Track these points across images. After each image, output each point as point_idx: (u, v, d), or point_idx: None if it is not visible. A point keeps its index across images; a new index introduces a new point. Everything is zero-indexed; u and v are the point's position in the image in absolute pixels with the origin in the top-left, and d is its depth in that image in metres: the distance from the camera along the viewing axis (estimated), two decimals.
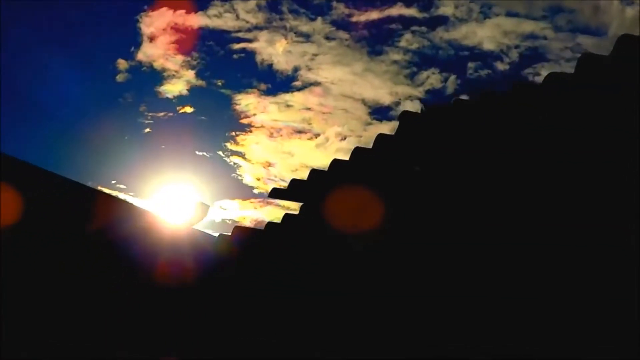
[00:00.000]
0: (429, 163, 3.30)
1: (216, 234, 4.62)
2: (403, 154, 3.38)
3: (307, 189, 3.81)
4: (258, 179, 17.75)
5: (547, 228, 2.60)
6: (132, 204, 5.12)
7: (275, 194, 4.01)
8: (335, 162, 3.62)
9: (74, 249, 4.39)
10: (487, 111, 2.78)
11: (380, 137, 3.44)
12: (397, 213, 3.41)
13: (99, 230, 4.48)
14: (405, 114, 3.38)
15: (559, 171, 2.61)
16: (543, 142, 2.61)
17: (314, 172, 3.76)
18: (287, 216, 4.19)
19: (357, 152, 3.62)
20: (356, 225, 3.50)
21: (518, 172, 2.80)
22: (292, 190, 3.90)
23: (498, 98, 2.72)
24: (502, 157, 2.86)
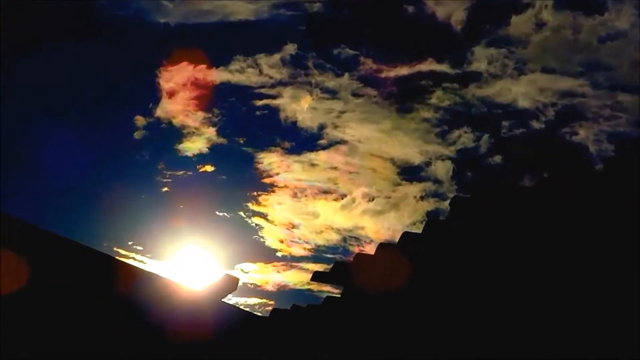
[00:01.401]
0: (483, 251, 3.61)
1: (243, 307, 4.95)
2: (456, 242, 3.74)
3: (351, 273, 4.29)
4: (281, 241, 17.99)
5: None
6: (154, 274, 4.95)
7: (318, 277, 4.43)
8: (383, 248, 4.17)
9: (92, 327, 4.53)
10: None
11: (431, 223, 3.76)
12: (452, 305, 3.76)
13: (121, 306, 4.64)
14: (457, 199, 3.75)
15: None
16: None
17: (360, 257, 4.34)
18: (329, 300, 4.68)
19: (406, 237, 4.15)
20: (403, 316, 3.98)
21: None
22: (336, 273, 4.42)
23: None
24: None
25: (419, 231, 3.98)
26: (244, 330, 4.94)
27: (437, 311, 3.82)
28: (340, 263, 4.45)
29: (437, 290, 3.90)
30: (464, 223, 3.70)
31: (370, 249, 4.39)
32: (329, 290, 4.90)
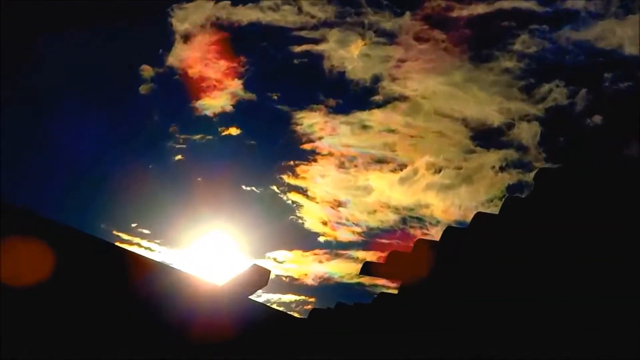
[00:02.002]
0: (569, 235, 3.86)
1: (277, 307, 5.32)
2: (542, 227, 3.94)
3: (411, 264, 4.54)
4: (324, 223, 18.24)
5: None
6: (165, 265, 5.25)
7: (369, 269, 4.69)
8: (450, 232, 4.36)
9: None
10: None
11: (511, 201, 4.14)
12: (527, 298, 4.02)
13: (124, 305, 4.97)
14: (544, 172, 3.96)
15: None
16: None
17: (422, 243, 4.55)
18: (382, 296, 4.96)
19: (479, 218, 4.32)
20: (477, 320, 4.23)
21: None
22: (392, 265, 4.63)
23: None
24: None
25: (497, 211, 4.17)
26: (275, 334, 5.22)
27: (523, 316, 4.02)
28: (397, 252, 4.64)
29: (519, 288, 4.10)
30: (553, 203, 3.87)
31: (436, 234, 4.65)
32: (384, 284, 5.34)
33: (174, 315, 5.04)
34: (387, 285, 5.12)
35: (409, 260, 4.62)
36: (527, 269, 4.09)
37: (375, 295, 5.11)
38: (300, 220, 17.85)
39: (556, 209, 3.93)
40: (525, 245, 4.13)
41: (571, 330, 3.68)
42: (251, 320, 5.35)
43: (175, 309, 5.05)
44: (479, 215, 4.30)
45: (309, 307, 5.44)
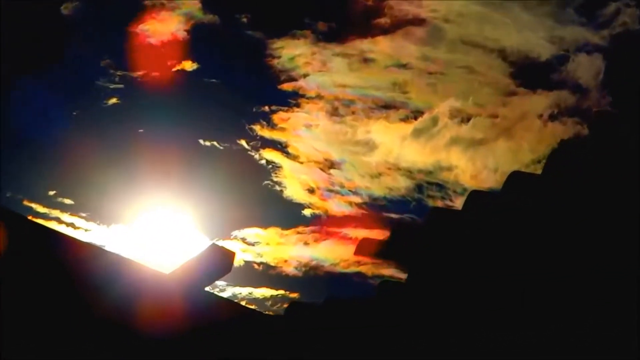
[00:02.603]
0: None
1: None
2: (592, 189, 4.15)
3: (424, 242, 4.70)
4: (311, 191, 17.93)
5: None
6: (95, 246, 5.41)
7: (365, 249, 4.84)
8: (476, 197, 4.46)
9: None
10: None
11: (559, 159, 4.23)
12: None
13: (39, 297, 5.08)
14: (601, 114, 4.18)
15: None
16: None
17: (438, 213, 4.69)
18: (385, 286, 5.01)
19: (516, 179, 4.46)
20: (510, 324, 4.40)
21: None
22: (398, 243, 4.79)
23: None
24: None
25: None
26: (240, 336, 5.37)
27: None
28: (404, 226, 4.84)
29: (568, 267, 4.29)
30: (617, 164, 4.06)
31: (459, 204, 4.73)
32: (392, 274, 5.30)
33: (104, 313, 5.14)
34: (396, 276, 5.10)
35: (422, 237, 4.72)
36: (577, 244, 4.27)
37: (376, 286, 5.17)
38: (278, 187, 17.74)
39: (617, 165, 4.15)
40: (575, 215, 4.29)
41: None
42: (208, 320, 5.45)
43: (106, 304, 5.13)
44: (516, 176, 4.41)
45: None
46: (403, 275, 5.01)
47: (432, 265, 4.84)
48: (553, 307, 4.29)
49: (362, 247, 4.83)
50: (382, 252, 4.83)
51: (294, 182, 18.09)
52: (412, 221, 4.52)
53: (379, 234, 4.90)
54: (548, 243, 4.39)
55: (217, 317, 5.52)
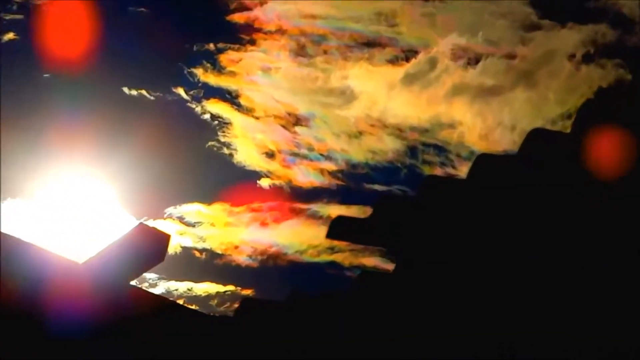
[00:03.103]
0: None
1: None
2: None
3: (419, 218, 4.67)
4: (270, 155, 17.75)
5: None
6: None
7: (344, 229, 4.76)
8: (485, 161, 4.46)
9: None
10: None
11: (592, 110, 4.39)
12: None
13: None
14: None
15: None
16: None
17: (436, 182, 4.63)
18: (366, 276, 4.93)
19: (537, 137, 4.48)
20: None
21: None
22: (382, 223, 4.69)
23: None
24: None
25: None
26: (177, 346, 5.29)
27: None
28: (392, 201, 4.74)
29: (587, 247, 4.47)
30: None
31: (464, 172, 4.70)
32: (377, 264, 5.23)
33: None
34: (381, 267, 5.04)
35: (415, 215, 4.70)
36: (612, 223, 4.47)
37: (354, 278, 5.16)
38: (226, 150, 17.65)
39: None
40: (614, 187, 4.47)
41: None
42: (134, 324, 5.43)
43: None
44: (537, 135, 4.46)
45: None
46: (390, 266, 5.00)
47: (428, 251, 4.85)
48: (577, 307, 4.51)
49: (337, 228, 4.77)
50: (362, 234, 4.80)
51: (247, 144, 17.93)
52: (402, 195, 4.40)
53: (359, 212, 4.80)
54: (576, 221, 4.52)
55: (146, 319, 5.50)
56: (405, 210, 4.75)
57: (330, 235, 4.75)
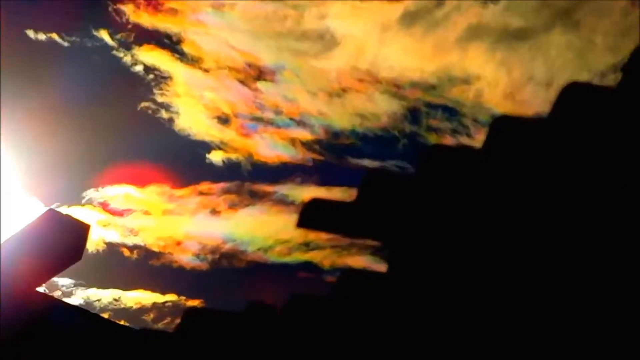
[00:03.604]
0: None
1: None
2: None
3: (419, 199, 4.72)
4: (223, 120, 17.62)
5: None
6: None
7: (316, 216, 4.80)
8: (502, 123, 4.48)
9: None
10: None
11: None
12: None
13: None
14: None
15: None
16: None
17: (439, 153, 4.64)
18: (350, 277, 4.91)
19: (574, 96, 4.44)
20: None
21: None
22: (372, 203, 4.72)
23: None
24: None
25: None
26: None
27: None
28: (384, 178, 4.76)
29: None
30: None
31: (479, 141, 4.64)
32: (363, 264, 5.26)
33: None
34: (371, 268, 5.13)
35: (414, 194, 4.75)
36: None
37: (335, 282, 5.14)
38: (164, 114, 17.46)
39: None
40: None
41: None
42: (44, 343, 5.43)
43: None
44: (576, 91, 4.46)
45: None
46: (381, 266, 5.03)
47: (432, 245, 4.87)
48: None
49: (312, 213, 4.78)
50: (345, 222, 4.84)
51: (192, 105, 17.63)
52: (398, 171, 4.35)
53: (343, 195, 4.84)
54: (627, 206, 4.52)
55: (58, 338, 5.49)
56: (401, 191, 4.79)
57: (302, 223, 4.76)
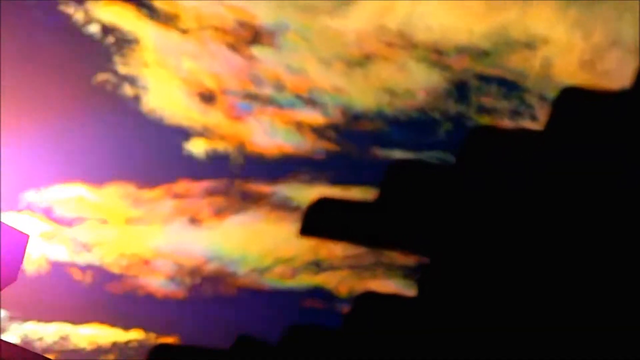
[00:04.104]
0: None
1: None
2: None
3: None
4: (206, 98, 17.08)
5: None
6: None
7: (320, 221, 4.24)
8: (571, 96, 4.09)
9: None
10: None
11: None
12: None
13: None
14: None
15: None
16: None
17: (487, 135, 4.22)
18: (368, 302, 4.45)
19: None
20: None
21: None
22: (396, 201, 4.21)
23: None
24: None
25: None
26: None
27: None
28: (415, 172, 4.27)
29: None
30: None
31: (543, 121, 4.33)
32: (388, 289, 4.76)
33: None
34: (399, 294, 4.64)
35: (453, 188, 4.26)
36: None
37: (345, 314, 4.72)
38: (129, 90, 16.45)
39: None
40: None
41: None
42: None
43: None
44: None
45: None
46: (410, 290, 4.59)
47: (478, 256, 4.34)
48: None
49: (320, 217, 4.26)
50: (363, 227, 4.27)
51: (166, 78, 16.57)
52: (436, 163, 4.30)
53: (363, 195, 4.39)
54: None
55: None
56: (437, 186, 4.28)
57: (307, 228, 4.27)
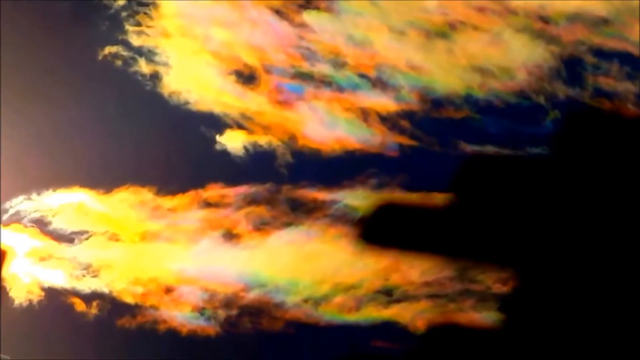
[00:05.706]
0: None
1: None
2: None
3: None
4: (243, 77, 16.24)
5: None
6: None
7: (386, 225, 4.61)
8: None
9: None
10: None
11: None
12: None
13: None
14: None
15: None
16: None
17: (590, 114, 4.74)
18: None
19: None
20: None
21: None
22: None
23: None
24: None
25: None
26: None
27: None
28: (499, 160, 4.69)
29: None
30: None
31: None
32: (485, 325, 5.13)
33: None
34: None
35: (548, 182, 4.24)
36: None
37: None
38: (144, 68, 15.37)
39: None
40: None
41: None
42: None
43: None
44: None
45: None
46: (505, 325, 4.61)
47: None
48: None
49: (385, 219, 4.57)
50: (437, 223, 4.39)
51: (192, 52, 15.18)
52: (539, 160, 4.53)
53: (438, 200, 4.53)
54: None
55: None
56: (539, 186, 4.17)
57: (366, 234, 4.63)
